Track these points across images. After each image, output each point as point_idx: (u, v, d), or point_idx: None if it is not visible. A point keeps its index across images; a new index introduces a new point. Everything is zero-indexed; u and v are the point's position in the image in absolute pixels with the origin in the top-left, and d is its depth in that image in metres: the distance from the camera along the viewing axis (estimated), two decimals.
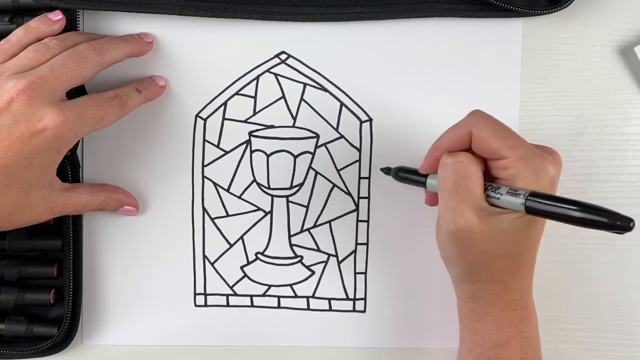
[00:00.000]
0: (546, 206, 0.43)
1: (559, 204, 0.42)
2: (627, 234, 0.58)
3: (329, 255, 0.58)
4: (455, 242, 0.48)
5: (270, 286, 0.58)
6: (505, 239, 0.46)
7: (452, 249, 0.48)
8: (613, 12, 0.58)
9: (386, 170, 0.55)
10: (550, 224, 0.58)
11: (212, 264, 0.58)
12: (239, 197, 0.58)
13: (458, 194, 0.47)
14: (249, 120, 0.58)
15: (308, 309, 0.58)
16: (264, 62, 0.57)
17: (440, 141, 0.49)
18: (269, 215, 0.58)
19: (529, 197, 0.44)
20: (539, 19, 0.57)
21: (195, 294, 0.58)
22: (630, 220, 0.40)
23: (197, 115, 0.57)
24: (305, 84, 0.57)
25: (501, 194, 0.45)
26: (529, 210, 0.44)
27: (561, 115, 0.58)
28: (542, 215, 0.44)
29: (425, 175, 0.51)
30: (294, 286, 0.58)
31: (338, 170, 0.58)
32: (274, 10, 0.56)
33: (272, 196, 0.58)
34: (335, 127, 0.58)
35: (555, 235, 0.58)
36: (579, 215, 0.41)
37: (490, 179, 0.47)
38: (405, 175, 0.53)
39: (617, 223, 0.40)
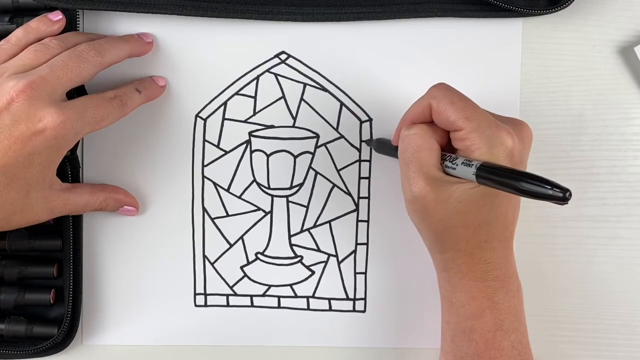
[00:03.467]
0: (494, 176, 0.44)
1: (505, 174, 0.43)
2: (628, 234, 0.58)
3: (329, 255, 0.58)
4: (415, 212, 0.49)
5: (270, 286, 0.58)
6: (462, 209, 0.47)
7: (415, 219, 0.50)
8: (613, 12, 0.58)
9: (368, 142, 0.57)
10: (550, 224, 0.58)
11: (212, 264, 0.58)
12: (239, 197, 0.58)
13: (413, 164, 0.48)
14: (249, 120, 0.58)
15: (308, 309, 0.58)
16: (264, 62, 0.57)
17: (406, 114, 0.51)
18: (269, 215, 0.58)
19: (479, 167, 0.45)
20: (539, 19, 0.57)
21: (195, 294, 0.58)
22: (567, 190, 0.40)
23: (197, 115, 0.57)
24: (305, 84, 0.57)
25: (457, 165, 0.47)
26: (480, 180, 0.45)
27: (561, 115, 0.58)
28: (491, 185, 0.44)
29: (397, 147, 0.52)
30: (294, 286, 0.58)
31: (338, 170, 0.58)
32: (274, 10, 0.56)
33: (272, 196, 0.58)
34: (335, 127, 0.58)
35: (555, 235, 0.58)
36: (522, 186, 0.42)
37: (452, 150, 0.49)
38: (382, 147, 0.56)
39: (554, 193, 0.41)
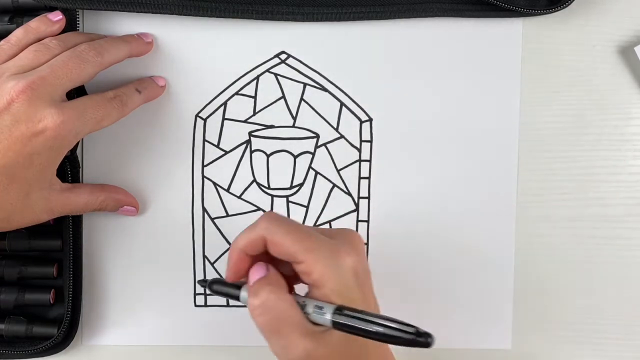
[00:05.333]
0: (352, 323, 0.41)
1: (363, 321, 0.40)
2: (628, 234, 0.58)
3: None
4: None
5: None
6: (343, 350, 0.43)
7: None
8: (613, 12, 0.58)
9: (203, 283, 0.50)
10: (550, 225, 0.58)
11: (212, 264, 0.58)
12: (239, 197, 0.58)
13: (282, 332, 0.42)
14: (249, 120, 0.58)
15: None
16: (264, 62, 0.57)
17: (237, 244, 0.45)
18: None
19: (333, 316, 0.41)
20: (539, 19, 0.57)
21: (195, 294, 0.58)
22: (429, 335, 0.39)
23: (197, 115, 0.57)
24: (305, 84, 0.57)
25: (309, 312, 0.43)
26: (339, 328, 0.41)
27: (561, 115, 0.58)
28: (351, 333, 0.41)
29: (239, 287, 0.46)
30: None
31: (338, 170, 0.58)
32: (274, 10, 0.56)
33: (272, 196, 0.58)
34: (335, 127, 0.58)
35: (555, 235, 0.58)
36: (381, 330, 0.40)
37: (291, 282, 0.45)
38: (219, 288, 0.47)
39: (418, 339, 0.39)
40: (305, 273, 0.43)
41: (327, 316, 0.42)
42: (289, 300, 0.43)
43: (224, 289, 0.46)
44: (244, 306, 0.58)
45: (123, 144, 0.57)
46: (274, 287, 0.43)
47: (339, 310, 0.42)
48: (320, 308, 0.42)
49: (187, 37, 0.57)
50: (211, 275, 0.58)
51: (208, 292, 0.58)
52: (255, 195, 0.58)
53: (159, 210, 0.58)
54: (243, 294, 0.46)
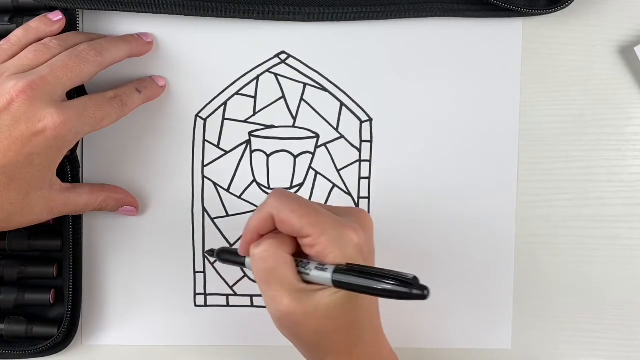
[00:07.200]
0: (351, 279, 0.43)
1: (362, 278, 0.42)
2: (628, 234, 0.58)
3: None
4: (285, 328, 0.47)
5: None
6: (331, 314, 0.45)
7: (286, 334, 0.48)
8: (613, 12, 0.58)
9: (210, 252, 0.53)
10: (550, 225, 0.58)
11: (212, 264, 0.58)
12: (239, 197, 0.58)
13: (271, 284, 0.46)
14: (249, 120, 0.58)
15: None
16: (264, 62, 0.57)
17: (249, 224, 0.47)
18: None
19: (334, 273, 0.43)
20: (539, 19, 0.57)
21: (195, 294, 0.58)
22: (425, 288, 0.41)
23: (197, 115, 0.57)
24: (305, 84, 0.57)
25: (310, 270, 0.45)
26: (337, 285, 0.43)
27: (561, 115, 0.58)
28: (350, 289, 0.43)
29: (244, 257, 0.49)
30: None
31: (338, 170, 0.58)
32: (274, 10, 0.56)
33: None
34: (335, 127, 0.58)
35: (555, 235, 0.58)
36: (381, 287, 0.41)
37: (305, 256, 0.46)
38: (227, 257, 0.51)
39: (413, 292, 0.40)
40: (309, 246, 0.45)
41: (328, 274, 0.44)
42: (285, 258, 0.46)
43: (232, 257, 0.50)
44: (244, 306, 0.58)
45: (123, 144, 0.57)
46: (275, 241, 0.46)
47: (339, 269, 0.43)
48: (323, 266, 0.44)
49: (187, 37, 0.57)
50: (211, 274, 0.58)
51: (208, 292, 0.58)
52: (255, 195, 0.58)
53: (159, 210, 0.58)
54: (248, 260, 0.48)
